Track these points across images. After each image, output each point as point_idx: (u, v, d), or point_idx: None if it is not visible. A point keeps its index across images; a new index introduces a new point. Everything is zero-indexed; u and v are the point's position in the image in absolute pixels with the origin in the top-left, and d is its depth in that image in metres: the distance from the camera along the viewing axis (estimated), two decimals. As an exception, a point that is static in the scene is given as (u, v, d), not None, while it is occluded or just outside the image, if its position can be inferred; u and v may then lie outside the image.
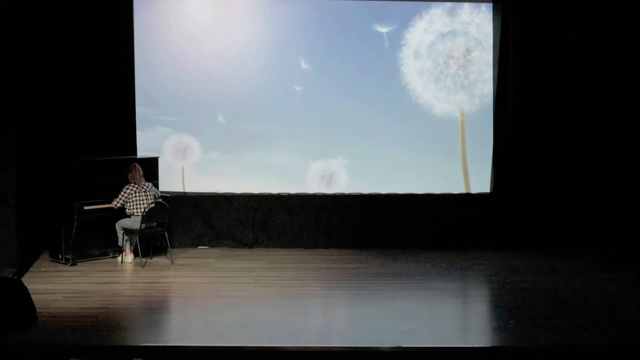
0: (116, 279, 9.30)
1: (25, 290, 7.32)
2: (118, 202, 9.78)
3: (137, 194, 9.74)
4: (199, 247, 10.93)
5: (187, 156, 11.00)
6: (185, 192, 10.90)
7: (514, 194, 10.85)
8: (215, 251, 10.76)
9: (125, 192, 9.75)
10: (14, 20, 9.30)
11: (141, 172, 9.87)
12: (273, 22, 10.85)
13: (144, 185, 9.85)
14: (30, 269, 9.50)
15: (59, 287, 8.72)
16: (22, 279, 8.14)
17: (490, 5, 10.83)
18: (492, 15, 10.83)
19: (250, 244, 10.93)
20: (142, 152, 10.76)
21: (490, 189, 10.96)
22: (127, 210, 9.79)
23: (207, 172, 10.94)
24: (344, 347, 6.70)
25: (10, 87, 9.00)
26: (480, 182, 10.97)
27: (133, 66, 10.69)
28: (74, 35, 10.43)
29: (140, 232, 9.70)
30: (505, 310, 7.92)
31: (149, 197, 9.77)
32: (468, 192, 11.05)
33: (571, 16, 10.59)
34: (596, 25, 10.57)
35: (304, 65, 10.87)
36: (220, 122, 10.89)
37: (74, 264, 9.73)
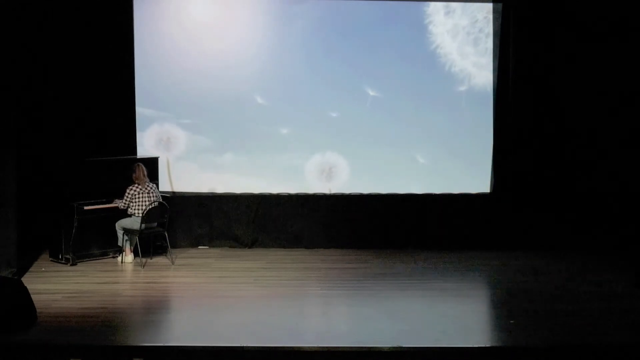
0: (116, 279, 9.30)
1: (25, 290, 7.32)
2: (125, 204, 9.77)
3: (141, 195, 9.74)
4: (199, 247, 10.93)
5: (170, 147, 10.76)
6: (174, 192, 10.77)
7: (514, 194, 10.85)
8: (215, 251, 10.76)
9: (129, 193, 9.74)
10: (14, 21, 9.30)
11: (145, 172, 9.86)
12: (273, 20, 10.84)
13: (148, 185, 9.84)
14: (30, 269, 9.49)
15: (59, 287, 8.72)
16: (22, 279, 8.14)
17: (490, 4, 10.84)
18: (492, 15, 10.82)
19: (250, 244, 10.93)
20: (142, 152, 10.75)
21: (490, 189, 10.96)
22: (128, 210, 9.79)
23: (207, 171, 10.92)
24: (344, 347, 6.70)
25: (10, 87, 9.00)
26: (480, 182, 10.97)
27: (133, 66, 10.68)
28: (74, 34, 10.42)
29: (140, 232, 9.70)
30: (505, 310, 7.93)
31: (151, 198, 9.77)
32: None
33: (572, 18, 10.61)
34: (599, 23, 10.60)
35: (305, 63, 10.85)
36: (220, 121, 10.88)
37: (74, 264, 9.72)
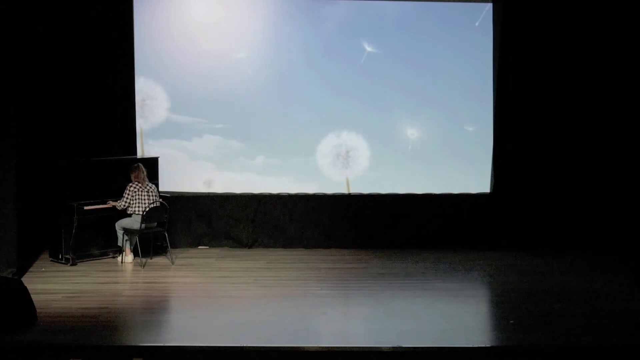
0: (116, 279, 9.30)
1: (25, 290, 7.32)
2: (125, 203, 9.75)
3: (140, 193, 9.74)
4: (199, 247, 10.93)
5: (146, 113, 10.69)
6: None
7: (514, 194, 10.85)
8: (215, 251, 10.76)
9: (129, 191, 9.74)
10: (15, 21, 9.30)
11: (145, 172, 9.86)
12: (273, 18, 10.84)
13: (147, 185, 9.84)
14: (30, 269, 9.50)
15: (59, 287, 8.72)
16: (22, 279, 8.14)
17: (491, 5, 10.83)
18: (491, 15, 10.82)
19: (250, 244, 10.93)
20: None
21: (490, 189, 10.96)
22: (128, 210, 9.79)
23: (210, 170, 10.91)
24: (344, 347, 6.70)
25: (11, 87, 9.00)
26: (481, 182, 10.97)
27: (133, 66, 10.67)
28: (74, 34, 10.42)
29: (140, 232, 9.70)
30: (505, 310, 7.93)
31: (150, 197, 9.77)
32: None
33: (572, 18, 10.61)
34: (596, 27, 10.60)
35: (304, 61, 10.85)
36: (222, 121, 10.87)
37: (74, 264, 9.72)
